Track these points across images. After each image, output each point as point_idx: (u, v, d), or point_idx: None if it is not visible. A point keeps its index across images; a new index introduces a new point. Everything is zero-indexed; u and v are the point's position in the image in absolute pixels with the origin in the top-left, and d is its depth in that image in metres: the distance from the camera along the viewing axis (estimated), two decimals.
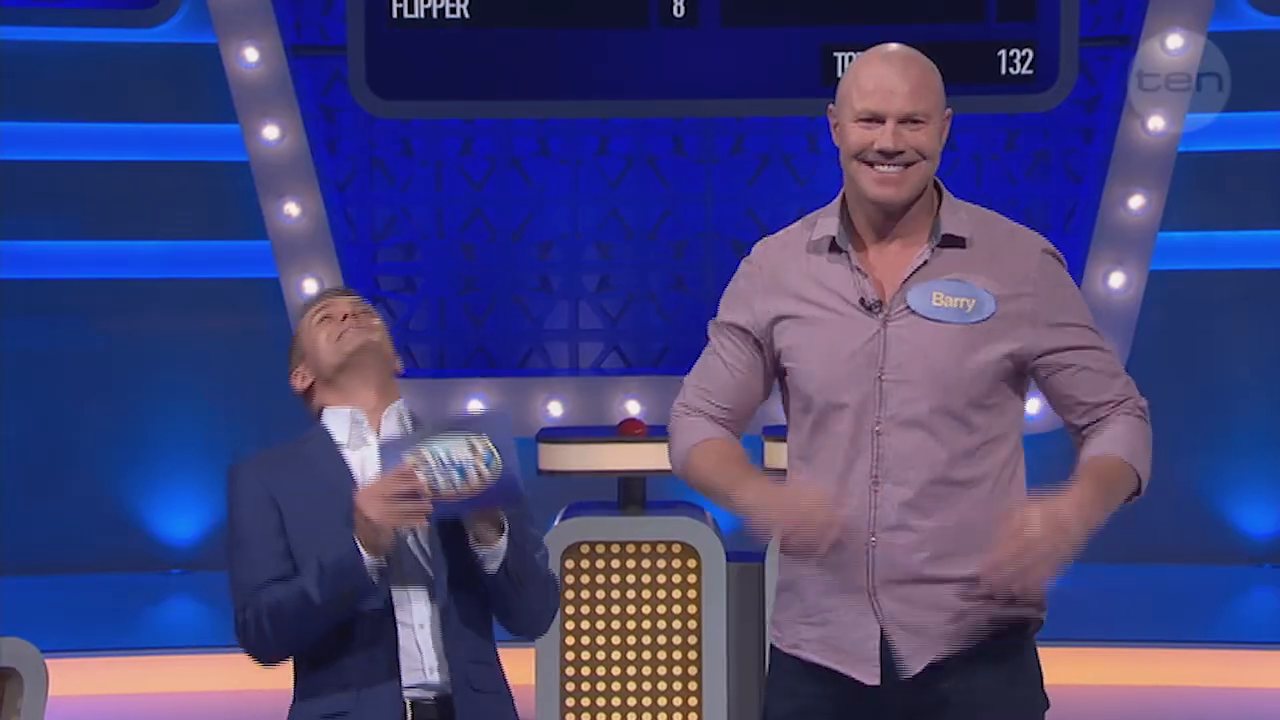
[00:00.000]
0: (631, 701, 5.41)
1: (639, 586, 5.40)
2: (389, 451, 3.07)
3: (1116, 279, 7.42)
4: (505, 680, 3.26)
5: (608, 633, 5.40)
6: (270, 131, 7.47)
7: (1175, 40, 7.35)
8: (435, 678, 3.15)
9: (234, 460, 3.30)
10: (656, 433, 5.77)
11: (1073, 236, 7.69)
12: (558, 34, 7.20)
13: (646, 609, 5.40)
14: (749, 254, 3.21)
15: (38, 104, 7.69)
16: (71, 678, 6.51)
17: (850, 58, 7.13)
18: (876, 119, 3.05)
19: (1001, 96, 7.15)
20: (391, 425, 3.24)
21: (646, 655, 5.41)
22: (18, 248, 7.71)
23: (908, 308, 3.04)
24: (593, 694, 5.41)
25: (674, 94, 7.27)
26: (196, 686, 6.68)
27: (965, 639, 3.05)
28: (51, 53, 7.68)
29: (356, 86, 7.24)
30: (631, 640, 5.41)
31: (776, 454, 5.53)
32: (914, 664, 3.05)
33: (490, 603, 3.19)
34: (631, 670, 5.41)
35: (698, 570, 5.39)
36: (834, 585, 3.07)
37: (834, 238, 3.10)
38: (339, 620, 3.11)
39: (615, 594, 5.41)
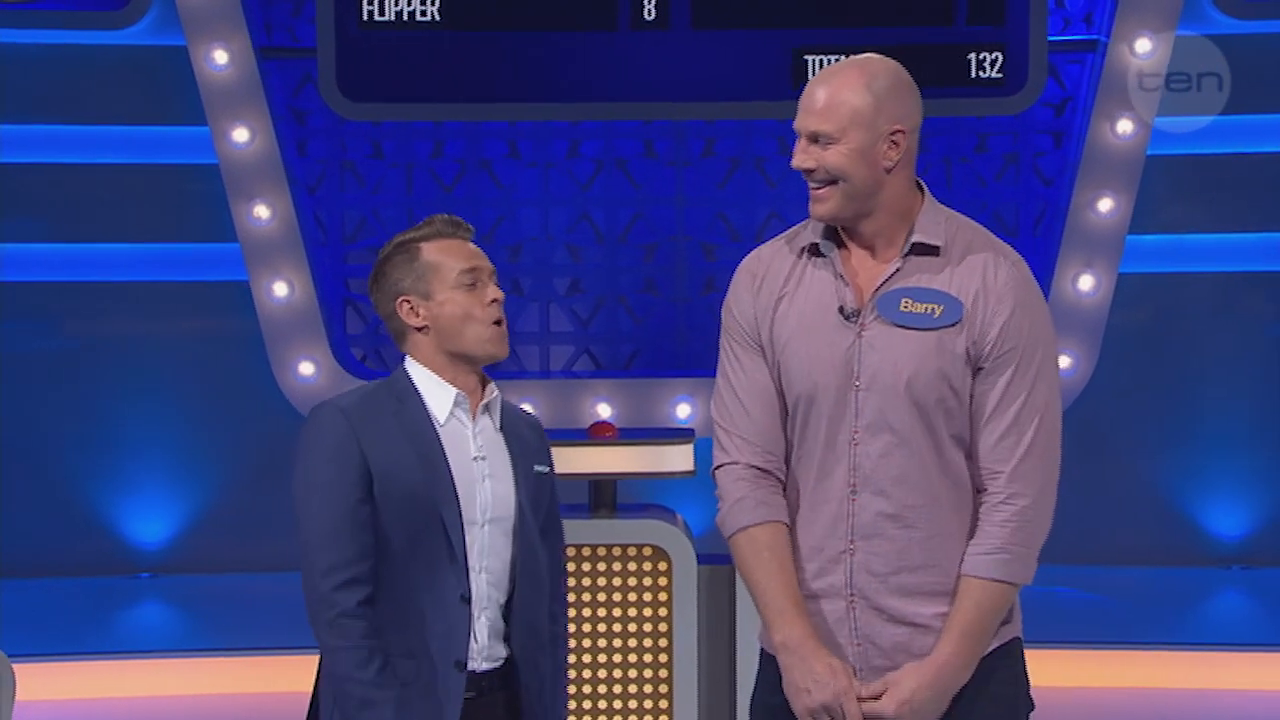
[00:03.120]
0: (603, 704, 5.41)
1: (610, 589, 5.40)
2: None
3: (1086, 281, 7.45)
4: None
5: (579, 635, 5.40)
6: (240, 134, 7.45)
7: (1144, 44, 7.38)
8: (484, 666, 3.26)
9: (322, 408, 3.27)
10: (627, 435, 5.77)
11: (1042, 239, 7.71)
12: (528, 37, 7.20)
13: (617, 611, 5.40)
14: (743, 261, 3.25)
15: (5, 107, 7.65)
16: (39, 682, 6.48)
17: (820, 61, 7.16)
18: (798, 131, 3.10)
19: (971, 99, 7.17)
20: (487, 421, 3.32)
21: (617, 657, 5.41)
22: None
23: (878, 315, 3.06)
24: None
25: (644, 97, 7.27)
26: (166, 691, 6.65)
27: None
28: (20, 55, 7.64)
29: (326, 89, 7.22)
30: (602, 643, 5.41)
31: None
32: (870, 677, 3.08)
33: None
34: (602, 673, 5.41)
35: (668, 573, 5.39)
36: (812, 592, 3.10)
37: (817, 243, 3.13)
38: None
39: (586, 596, 5.40)
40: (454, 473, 3.23)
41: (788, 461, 3.16)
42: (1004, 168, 7.84)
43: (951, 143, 7.80)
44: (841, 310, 3.08)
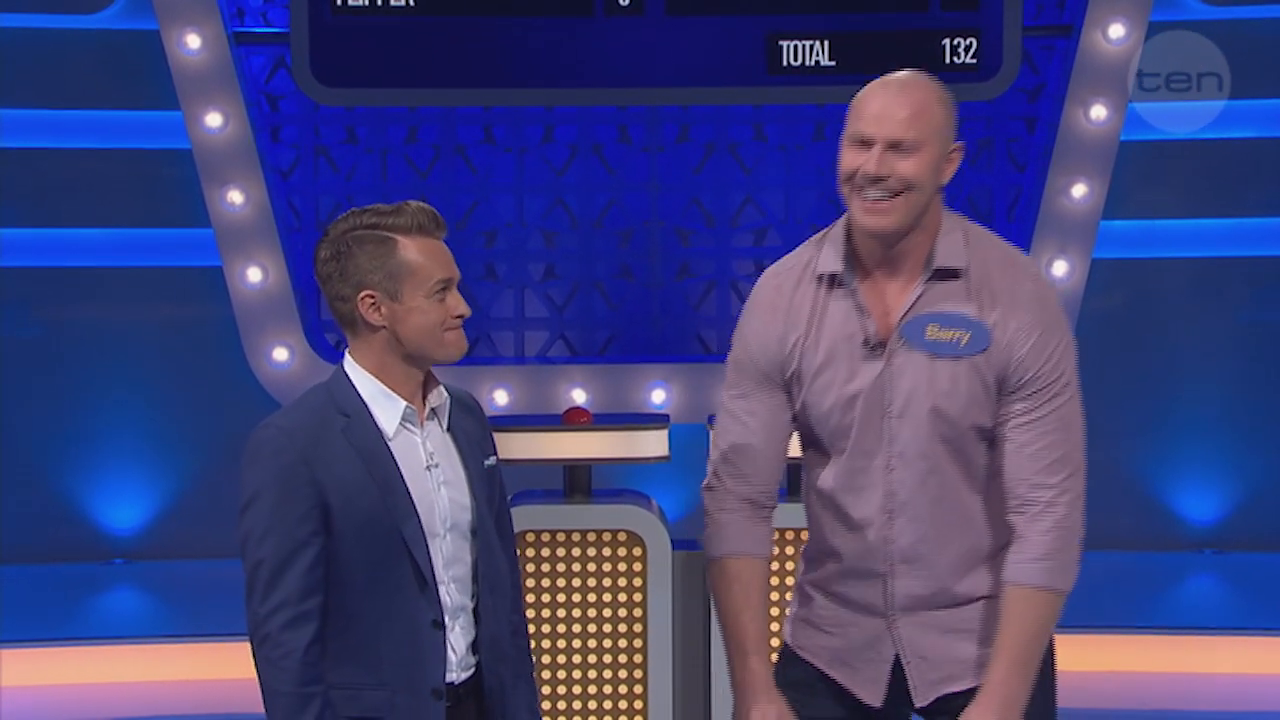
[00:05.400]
0: (577, 690, 5.41)
1: (584, 575, 5.41)
2: None
3: (1060, 267, 7.46)
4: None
5: (553, 620, 5.39)
6: (213, 119, 7.43)
7: (1117, 30, 7.40)
8: (463, 676, 3.15)
9: (262, 430, 3.08)
10: (601, 421, 5.77)
11: (1016, 224, 7.73)
12: (503, 22, 7.18)
13: (592, 597, 5.40)
14: (758, 289, 3.19)
15: None
16: (13, 668, 6.46)
17: (795, 46, 7.16)
18: (866, 143, 3.02)
19: (946, 85, 7.17)
20: (434, 424, 3.17)
21: (592, 643, 5.41)
22: None
23: (905, 343, 3.05)
24: (538, 682, 5.40)
25: (619, 82, 7.26)
26: (139, 676, 6.64)
27: (983, 667, 3.10)
28: None
29: (300, 74, 7.20)
30: (577, 628, 5.41)
31: None
32: (929, 693, 3.11)
33: None
34: (577, 658, 5.41)
35: (643, 558, 5.40)
36: (853, 606, 3.12)
37: (837, 273, 3.10)
38: None
39: (561, 582, 5.40)
40: (410, 488, 3.08)
41: (816, 493, 3.15)
42: (978, 153, 7.85)
43: None
44: (866, 343, 3.07)
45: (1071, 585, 3.11)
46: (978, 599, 3.10)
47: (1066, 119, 7.44)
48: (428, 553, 3.07)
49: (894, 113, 3.01)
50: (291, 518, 3.02)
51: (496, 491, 3.25)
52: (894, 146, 3.01)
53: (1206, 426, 7.81)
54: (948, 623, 3.09)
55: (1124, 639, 6.77)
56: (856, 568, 3.11)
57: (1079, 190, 7.45)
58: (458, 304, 3.10)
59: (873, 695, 3.11)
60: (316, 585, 3.02)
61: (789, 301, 3.13)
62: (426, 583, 3.06)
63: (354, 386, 3.11)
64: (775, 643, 3.39)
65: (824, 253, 3.13)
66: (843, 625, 3.13)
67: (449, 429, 3.19)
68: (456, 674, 3.13)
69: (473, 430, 3.23)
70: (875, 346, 3.06)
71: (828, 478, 3.12)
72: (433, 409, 3.17)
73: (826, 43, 7.13)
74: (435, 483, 3.12)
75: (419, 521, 3.07)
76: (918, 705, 3.11)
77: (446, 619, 3.10)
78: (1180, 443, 7.84)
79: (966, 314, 3.05)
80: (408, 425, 3.13)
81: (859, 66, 7.05)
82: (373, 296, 3.07)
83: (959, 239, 3.09)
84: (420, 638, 3.06)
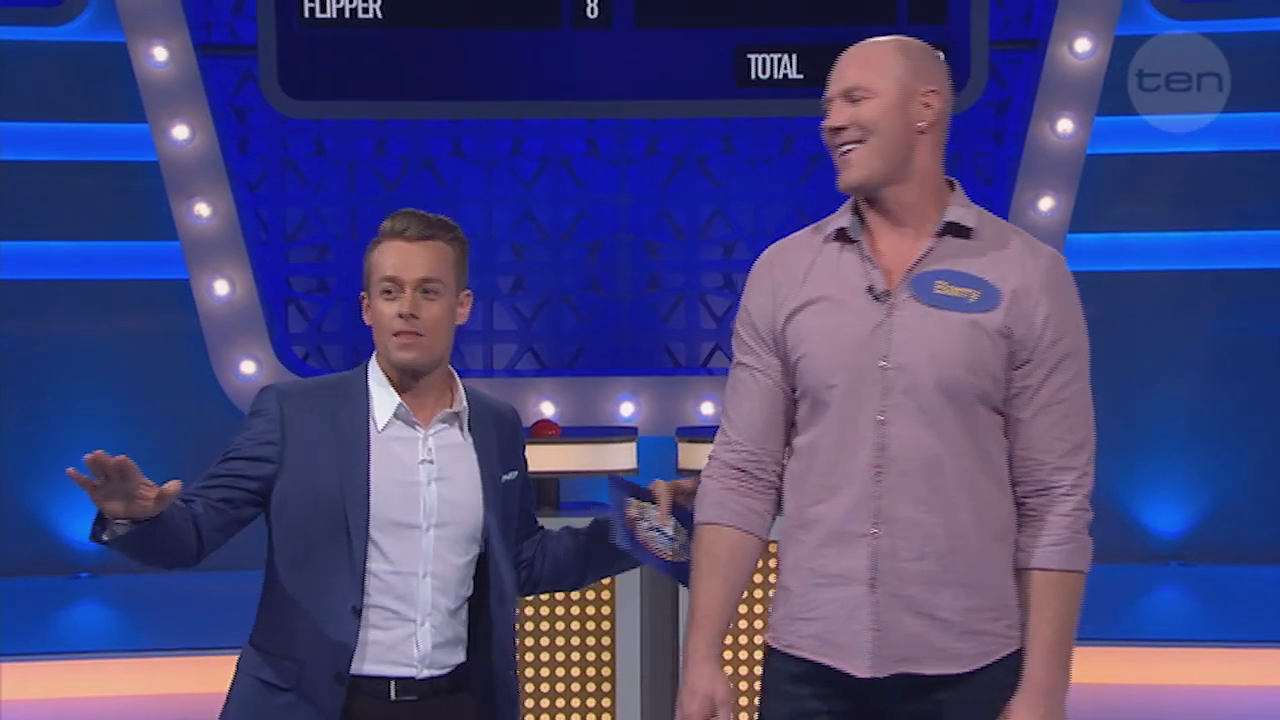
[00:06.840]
0: (545, 704, 5.41)
1: None
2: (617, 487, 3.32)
3: None
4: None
5: (521, 634, 5.39)
6: (180, 131, 7.41)
7: (1083, 44, 7.43)
8: (426, 673, 3.21)
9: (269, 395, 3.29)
10: (569, 434, 5.77)
11: None
12: (470, 34, 7.18)
13: (560, 610, 5.40)
14: (759, 259, 3.23)
15: None
16: None
17: (764, 59, 7.17)
18: (829, 99, 3.12)
19: None
20: (452, 431, 3.28)
21: (560, 657, 5.41)
22: None
23: (911, 295, 3.04)
24: None
25: (587, 95, 7.27)
26: (105, 691, 6.62)
27: (947, 659, 3.06)
28: None
29: (268, 86, 7.19)
30: (545, 642, 5.41)
31: (690, 455, 5.54)
32: (884, 668, 3.04)
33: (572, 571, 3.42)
34: (545, 672, 5.40)
35: None
36: (831, 578, 3.06)
37: (845, 229, 3.11)
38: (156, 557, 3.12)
39: (528, 597, 5.39)
40: (385, 478, 3.18)
41: (804, 449, 3.10)
42: (946, 168, 7.87)
43: None
44: (870, 290, 3.05)
45: (1089, 565, 3.11)
46: (955, 584, 3.03)
47: (1033, 133, 7.47)
48: (367, 540, 3.16)
49: (844, 68, 3.13)
50: (243, 456, 3.19)
51: (515, 505, 3.34)
52: (846, 96, 3.09)
53: (1174, 439, 7.84)
54: (926, 604, 3.03)
55: (1090, 651, 6.78)
56: (839, 532, 3.03)
57: (1046, 203, 7.48)
58: (399, 304, 3.21)
59: (860, 667, 3.03)
60: (216, 508, 3.15)
61: (786, 258, 3.18)
62: (355, 572, 3.14)
63: (366, 377, 3.28)
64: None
65: (834, 218, 3.16)
66: (820, 606, 3.06)
67: (471, 436, 3.29)
68: (417, 669, 3.19)
69: (496, 442, 3.32)
70: (879, 296, 3.04)
71: (813, 435, 3.07)
72: (454, 413, 3.27)
73: (794, 56, 7.15)
74: (426, 478, 3.21)
75: (368, 511, 3.16)
76: (872, 675, 3.03)
77: (417, 615, 3.18)
78: (1148, 455, 7.86)
79: (977, 274, 3.05)
80: (403, 421, 3.24)
81: (827, 79, 7.07)
82: (364, 297, 3.30)
83: (968, 203, 3.14)
84: (333, 620, 3.14)
